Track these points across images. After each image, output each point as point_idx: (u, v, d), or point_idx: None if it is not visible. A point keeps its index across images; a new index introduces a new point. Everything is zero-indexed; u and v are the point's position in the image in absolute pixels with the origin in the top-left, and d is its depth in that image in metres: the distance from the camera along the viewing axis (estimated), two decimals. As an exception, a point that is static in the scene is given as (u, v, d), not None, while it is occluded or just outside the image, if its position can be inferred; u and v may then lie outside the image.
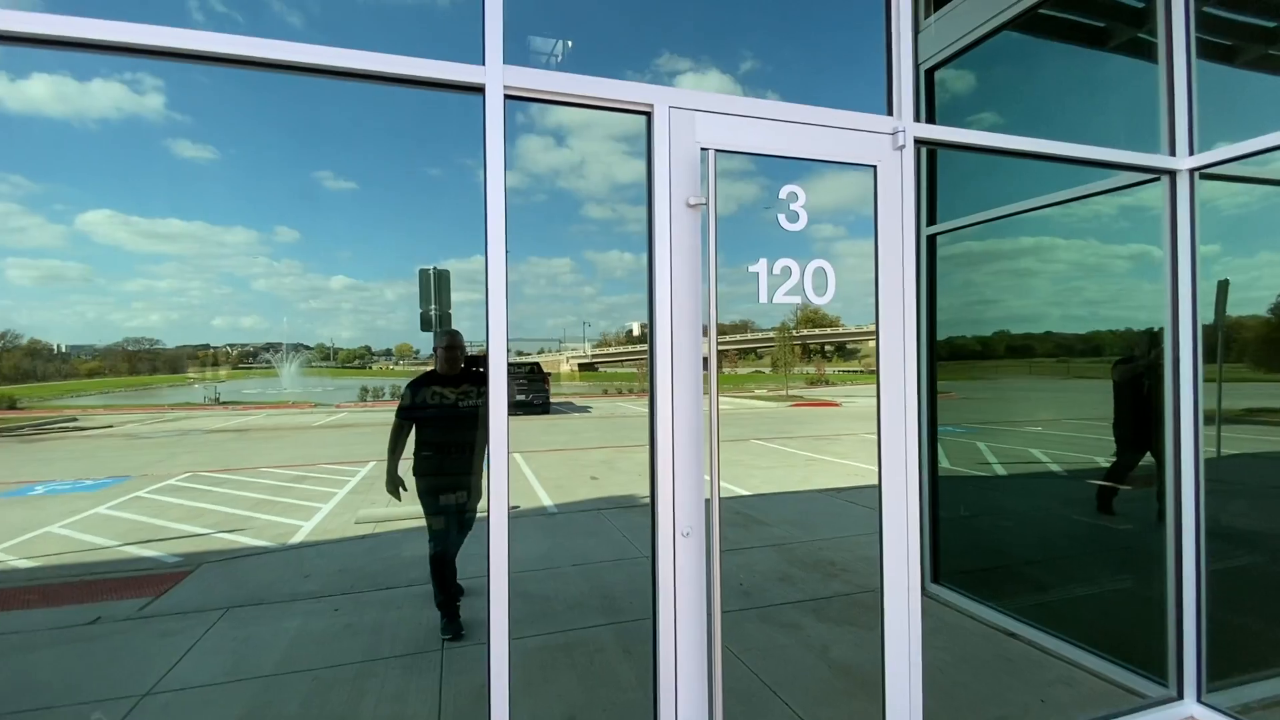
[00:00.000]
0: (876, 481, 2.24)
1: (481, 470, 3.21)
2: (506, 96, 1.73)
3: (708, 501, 1.97)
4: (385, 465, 3.37)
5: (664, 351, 1.88)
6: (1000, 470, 4.25)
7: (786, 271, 1.99)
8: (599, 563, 4.70)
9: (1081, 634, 3.15)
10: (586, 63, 1.90)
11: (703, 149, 1.89)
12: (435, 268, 5.00)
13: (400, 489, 3.40)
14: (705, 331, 1.92)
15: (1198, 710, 2.59)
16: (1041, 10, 3.27)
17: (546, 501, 7.13)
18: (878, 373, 2.18)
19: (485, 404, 2.81)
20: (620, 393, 35.71)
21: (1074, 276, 3.82)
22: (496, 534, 1.77)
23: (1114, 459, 3.71)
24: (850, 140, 2.08)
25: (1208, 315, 2.66)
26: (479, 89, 1.72)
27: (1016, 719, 2.62)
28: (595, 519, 6.14)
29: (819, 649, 3.28)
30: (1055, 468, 4.74)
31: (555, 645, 3.34)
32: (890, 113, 2.18)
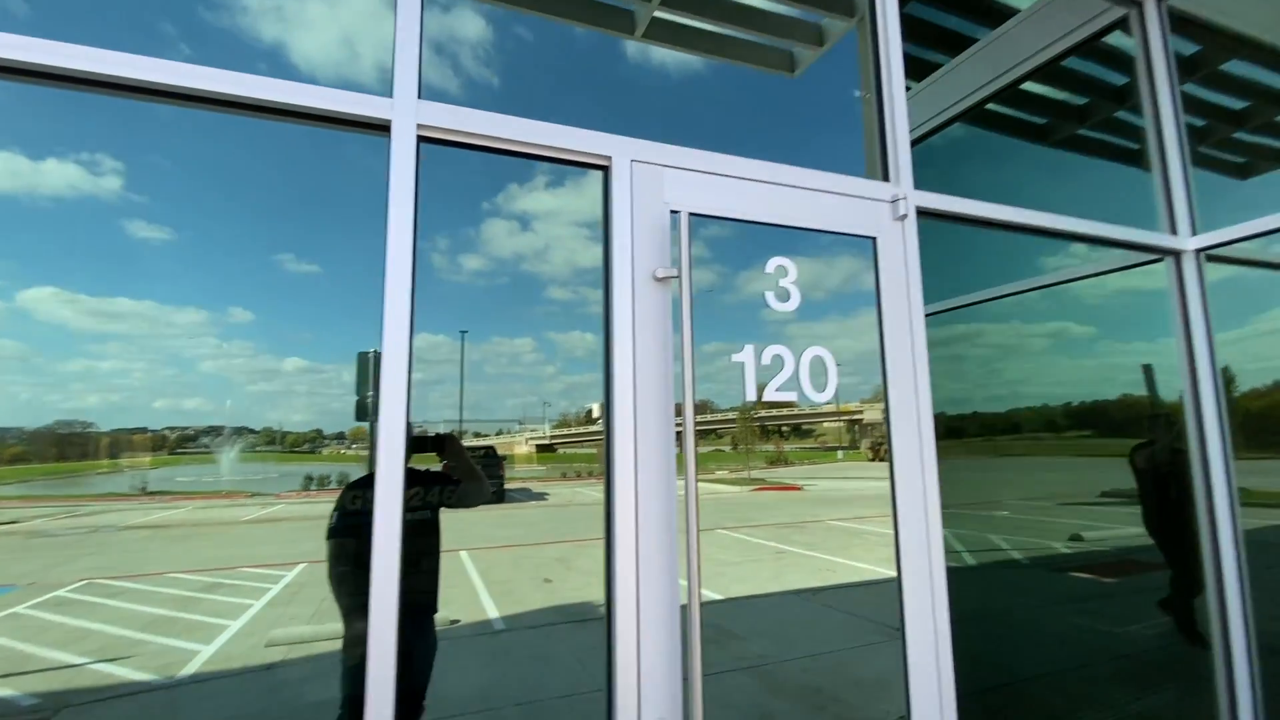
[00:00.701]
0: (897, 591, 1.78)
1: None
2: (420, 138, 1.34)
3: (684, 609, 1.46)
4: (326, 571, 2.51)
5: (624, 447, 1.42)
6: (970, 560, 3.86)
7: (778, 362, 1.59)
8: (548, 700, 3.97)
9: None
10: (535, 111, 1.55)
11: (673, 211, 1.53)
12: (376, 351, 4.51)
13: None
14: (678, 431, 1.48)
15: None
16: (1022, 87, 3.20)
17: (492, 613, 6.31)
18: (891, 462, 1.77)
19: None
20: (580, 475, 34.58)
21: (996, 358, 3.81)
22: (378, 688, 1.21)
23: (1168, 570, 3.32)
24: (847, 209, 1.76)
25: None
26: (384, 127, 1.33)
27: None
28: (547, 637, 5.37)
29: (818, 820, 2.65)
30: (1017, 555, 4.36)
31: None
32: (886, 179, 1.89)
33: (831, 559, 9.05)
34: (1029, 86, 3.64)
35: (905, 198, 1.80)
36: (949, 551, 3.58)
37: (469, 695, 4.04)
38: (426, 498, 2.51)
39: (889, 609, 5.84)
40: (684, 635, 1.42)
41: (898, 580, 1.74)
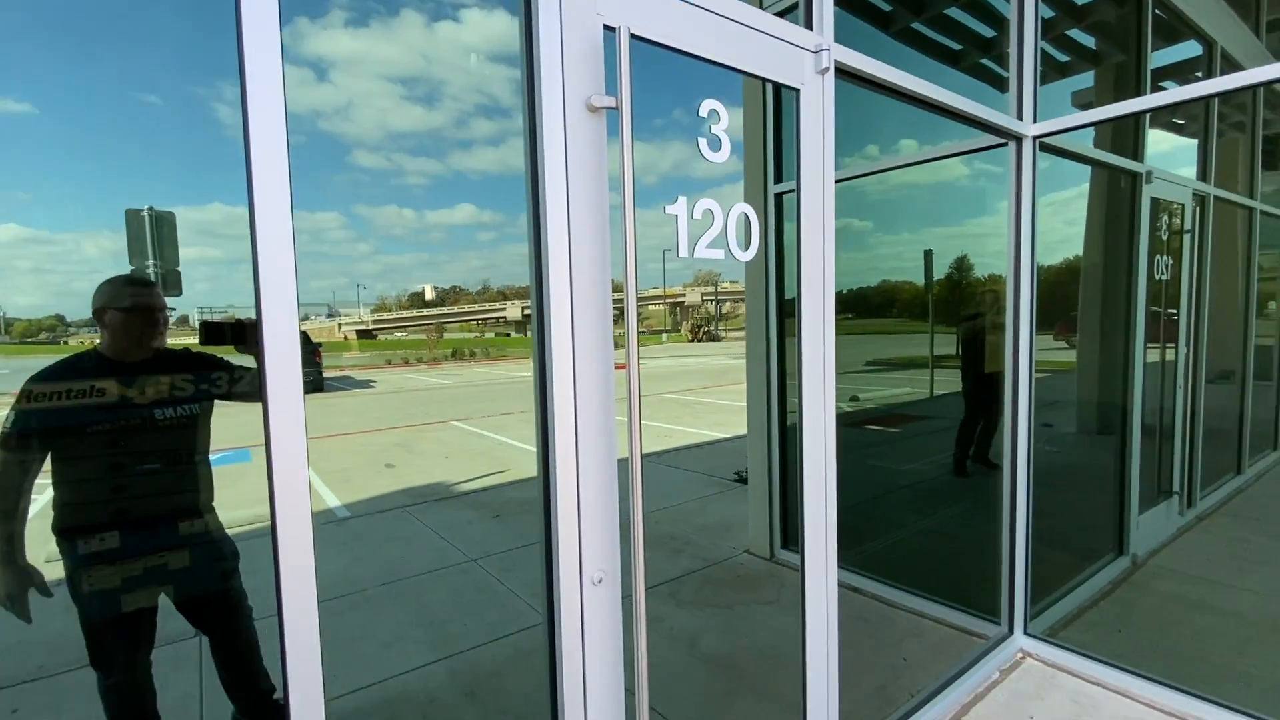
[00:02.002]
0: (798, 439, 1.93)
1: (210, 487, 2.19)
2: None
3: (622, 464, 1.46)
4: None
5: (561, 306, 1.29)
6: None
7: (709, 216, 1.51)
8: (416, 576, 3.90)
9: (919, 583, 3.33)
10: None
11: (607, 27, 1.30)
12: (152, 209, 3.58)
13: (37, 589, 1.90)
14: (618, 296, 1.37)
15: (1025, 642, 2.82)
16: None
17: (332, 501, 5.94)
18: (799, 327, 1.84)
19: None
20: (407, 362, 32.81)
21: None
22: (293, 559, 1.06)
23: (963, 419, 4.03)
24: (776, 54, 1.65)
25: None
26: None
27: (889, 685, 2.60)
28: (400, 519, 5.21)
29: (687, 643, 3.00)
30: (870, 408, 5.12)
31: (375, 704, 2.58)
32: (810, 29, 1.79)
33: (667, 426, 9.79)
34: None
35: (828, 49, 1.73)
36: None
37: (326, 582, 3.82)
38: (201, 387, 2.13)
39: (722, 466, 6.52)
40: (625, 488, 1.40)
41: (799, 427, 1.87)
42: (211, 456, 2.19)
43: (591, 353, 1.34)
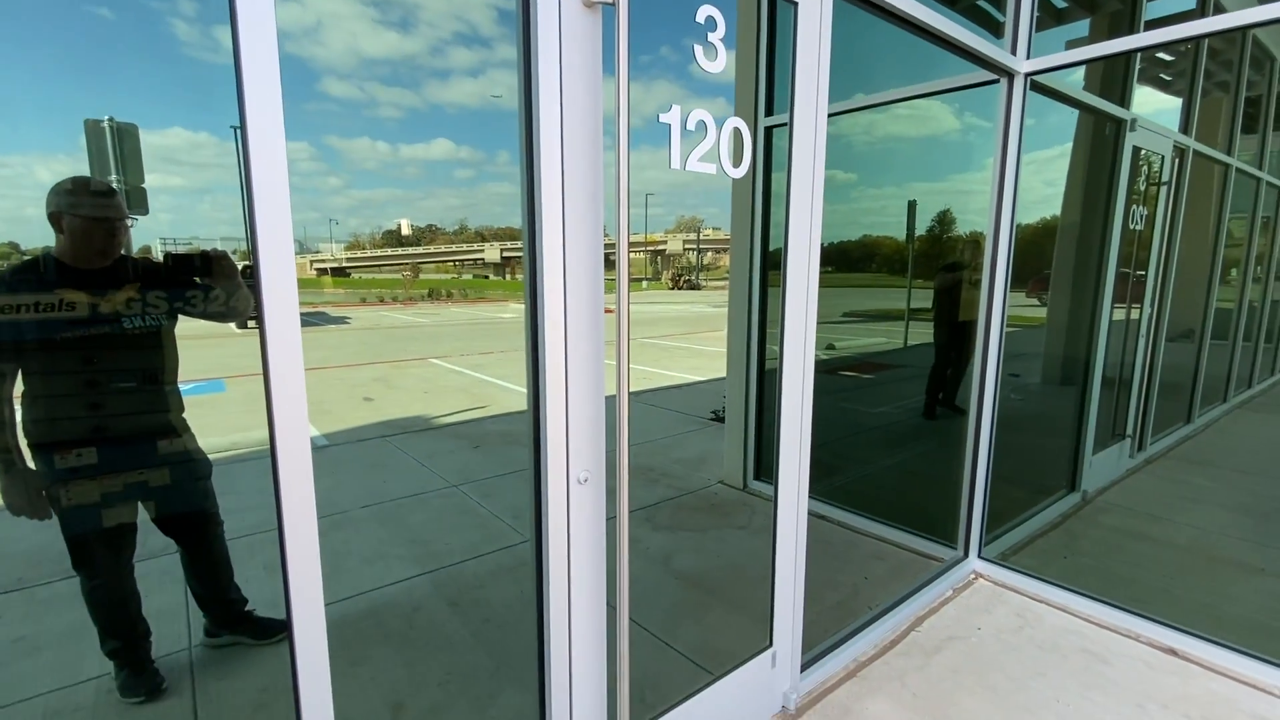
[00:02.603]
0: (779, 378, 1.99)
1: (181, 407, 2.21)
2: None
3: (610, 400, 1.51)
4: None
5: (553, 223, 1.30)
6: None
7: (702, 128, 1.51)
8: (396, 500, 3.98)
9: (884, 513, 3.50)
10: None
11: (607, -82, 1.26)
12: (113, 120, 3.39)
13: (44, 496, 1.92)
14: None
15: (978, 565, 3.02)
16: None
17: (311, 431, 5.94)
18: (785, 263, 1.87)
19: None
20: (382, 300, 32.21)
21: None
22: (292, 478, 1.10)
23: (934, 364, 4.14)
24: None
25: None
26: None
27: (850, 601, 2.77)
28: (381, 448, 5.26)
29: (661, 561, 3.15)
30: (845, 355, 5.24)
31: (359, 613, 2.68)
32: (810, -63, 1.74)
33: (647, 369, 9.89)
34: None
35: (828, -38, 1.70)
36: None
37: (307, 505, 3.88)
38: (175, 304, 2.10)
39: (699, 406, 6.63)
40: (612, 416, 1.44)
41: (780, 364, 1.92)
42: (183, 385, 2.18)
43: (583, 256, 1.36)
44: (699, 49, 1.47)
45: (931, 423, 4.49)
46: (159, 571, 2.78)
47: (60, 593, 2.75)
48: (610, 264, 1.41)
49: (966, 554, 3.02)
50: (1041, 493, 3.85)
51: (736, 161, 1.59)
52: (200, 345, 10.96)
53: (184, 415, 2.20)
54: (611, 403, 1.43)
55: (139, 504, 2.13)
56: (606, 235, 1.42)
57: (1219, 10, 4.64)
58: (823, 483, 3.88)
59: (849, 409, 4.84)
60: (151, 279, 2.09)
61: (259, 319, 1.04)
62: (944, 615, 2.65)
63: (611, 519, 1.48)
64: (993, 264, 2.77)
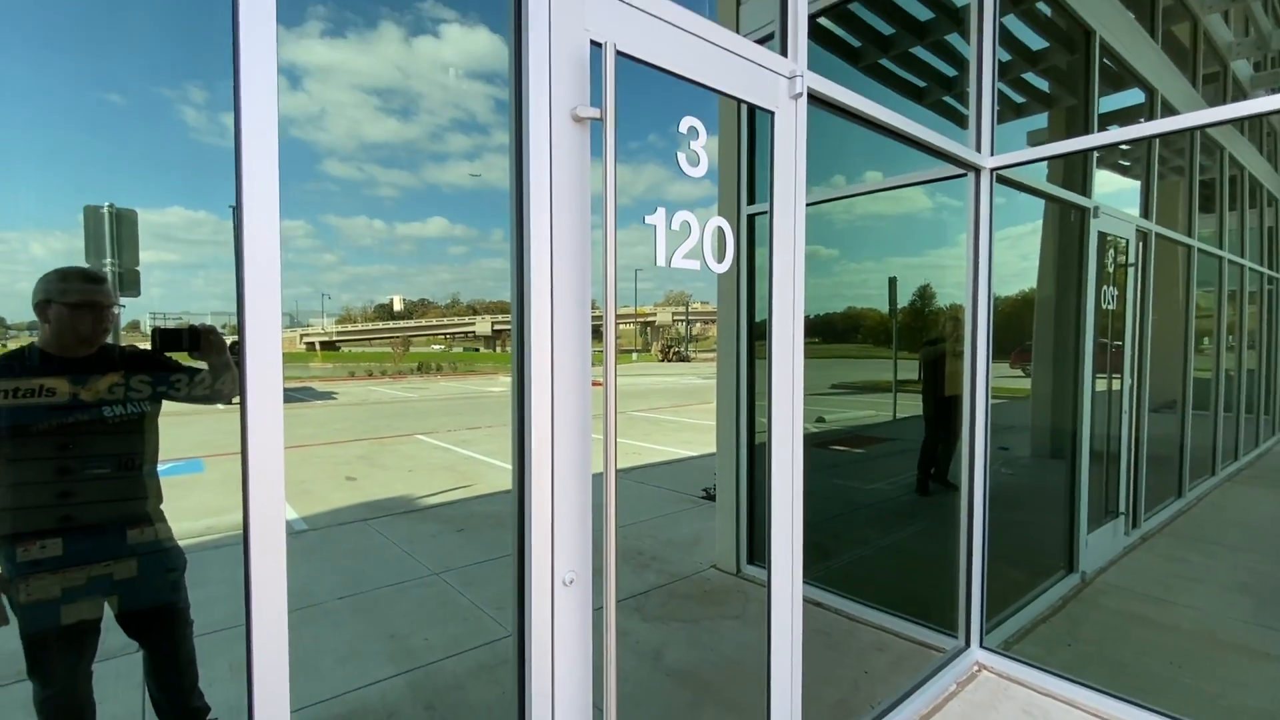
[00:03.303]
0: (767, 455, 1.97)
1: (159, 494, 2.13)
2: None
3: (597, 478, 1.48)
4: None
5: (541, 311, 1.32)
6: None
7: (686, 228, 1.56)
8: (375, 590, 3.81)
9: (881, 598, 3.40)
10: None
11: (594, 43, 1.35)
12: (113, 206, 3.47)
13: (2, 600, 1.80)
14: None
15: (981, 655, 2.90)
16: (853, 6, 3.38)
17: (290, 514, 5.76)
18: (770, 345, 1.90)
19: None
20: (370, 374, 32.11)
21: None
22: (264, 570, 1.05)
23: (924, 440, 4.14)
24: (753, 78, 1.73)
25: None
26: None
27: (850, 698, 2.64)
28: (361, 532, 5.09)
29: (652, 656, 3.00)
30: (836, 429, 5.23)
31: (333, 716, 2.51)
32: (785, 55, 1.88)
33: (637, 444, 9.80)
34: (861, 10, 3.90)
35: (801, 75, 1.82)
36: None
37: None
38: (159, 388, 2.08)
39: (691, 483, 6.55)
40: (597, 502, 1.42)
41: (769, 444, 1.92)
42: (161, 466, 2.12)
43: (570, 354, 1.37)
44: (682, 156, 1.55)
45: (926, 499, 4.44)
46: (113, 675, 2.60)
47: (16, 697, 2.56)
48: (598, 334, 1.42)
49: (968, 643, 2.91)
50: (1040, 574, 3.77)
51: (719, 257, 1.65)
52: (182, 422, 10.77)
53: (160, 502, 2.12)
54: (599, 481, 1.40)
55: (104, 600, 2.01)
56: (595, 306, 1.43)
57: (1166, 107, 5.00)
58: (818, 566, 3.78)
59: (841, 485, 4.79)
60: (136, 365, 2.07)
61: (241, 399, 1.03)
62: (949, 713, 2.52)
63: (598, 609, 1.42)
64: (974, 347, 2.83)
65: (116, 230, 3.64)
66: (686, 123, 1.55)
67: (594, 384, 1.43)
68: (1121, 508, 4.51)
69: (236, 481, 1.05)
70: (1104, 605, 3.62)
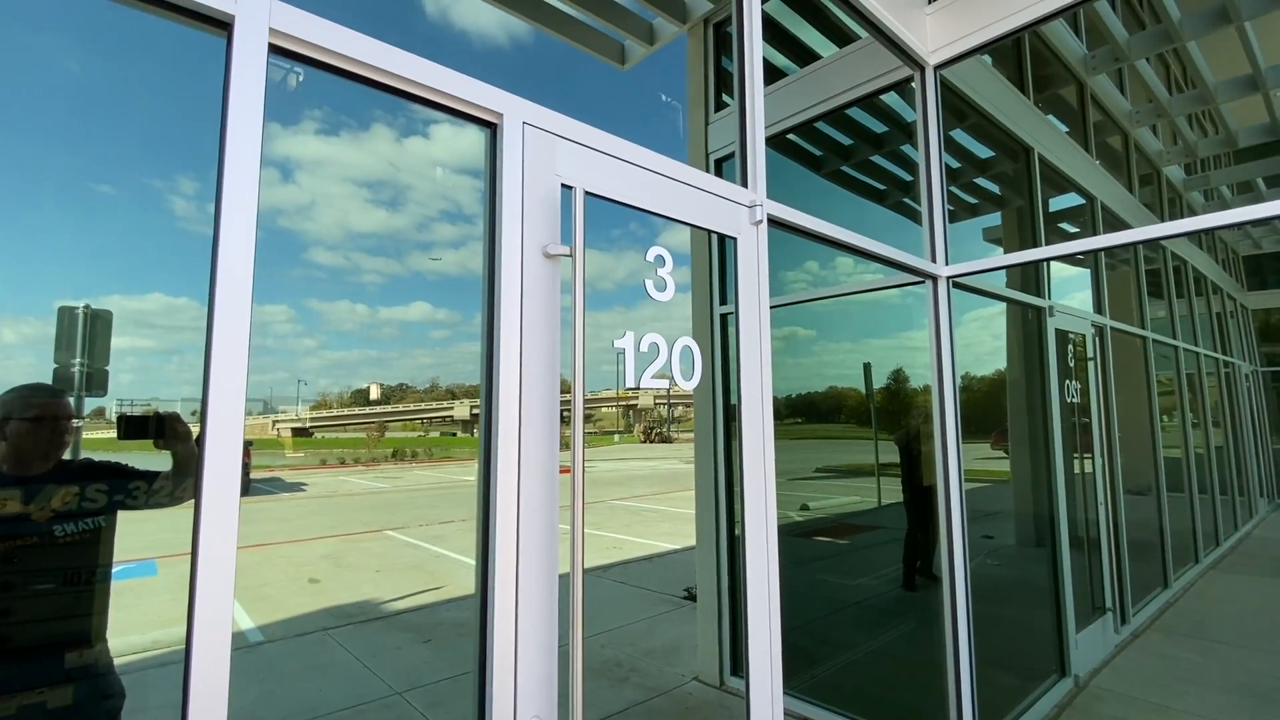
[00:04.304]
0: (741, 549, 1.91)
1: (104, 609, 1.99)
2: (273, 48, 1.07)
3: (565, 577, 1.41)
4: None
5: (509, 430, 1.31)
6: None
7: (654, 349, 1.61)
8: (330, 715, 3.52)
9: (870, 710, 3.23)
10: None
11: (564, 185, 1.44)
12: (89, 306, 3.46)
13: None
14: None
15: (978, 778, 2.73)
16: (816, 124, 3.66)
17: (245, 623, 5.40)
18: (741, 445, 1.90)
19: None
20: (343, 463, 31.22)
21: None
22: None
23: (908, 531, 4.09)
24: (714, 208, 1.84)
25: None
26: (224, 24, 1.02)
27: (843, 833, 2.44)
28: (320, 644, 4.76)
29: (630, 788, 2.78)
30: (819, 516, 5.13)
31: None
32: (745, 186, 2.01)
33: (617, 536, 9.52)
34: (823, 126, 4.23)
35: (761, 204, 1.94)
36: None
37: (227, 724, 3.39)
38: (115, 498, 2.00)
39: (673, 580, 6.33)
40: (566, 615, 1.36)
41: (742, 538, 1.88)
42: (114, 569, 2.00)
43: (537, 473, 1.36)
44: (650, 282, 1.62)
45: (912, 595, 4.33)
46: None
47: None
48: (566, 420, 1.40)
49: (964, 763, 2.75)
50: (1031, 678, 3.63)
51: (688, 375, 1.68)
52: (141, 517, 10.26)
53: (105, 619, 1.97)
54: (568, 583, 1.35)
55: None
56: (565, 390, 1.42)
57: (1106, 210, 5.37)
58: (802, 676, 3.61)
59: (826, 583, 4.67)
60: (93, 476, 1.99)
61: (195, 500, 1.00)
62: None
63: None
64: (943, 444, 2.87)
65: (90, 330, 3.61)
66: (654, 252, 1.63)
67: (563, 470, 1.41)
68: (1108, 603, 4.43)
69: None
70: (1102, 714, 3.47)
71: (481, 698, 1.32)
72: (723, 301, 3.94)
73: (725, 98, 4.24)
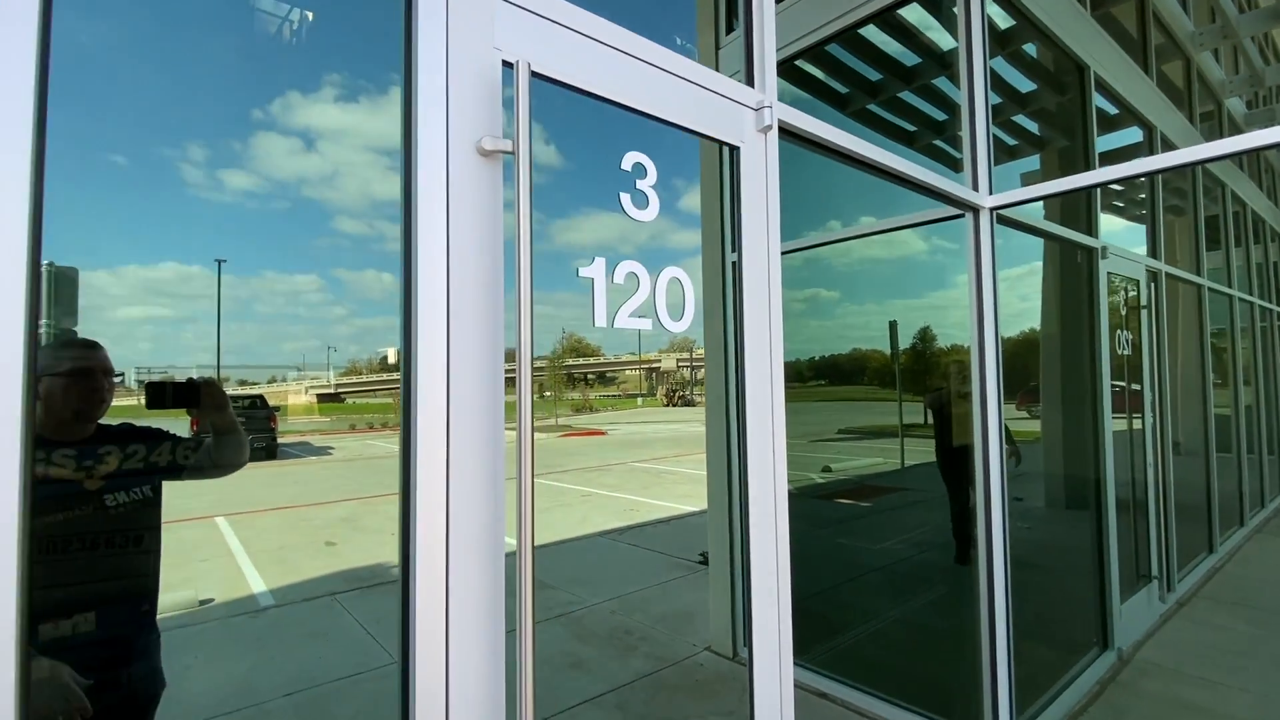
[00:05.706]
0: (742, 537, 1.65)
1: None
2: None
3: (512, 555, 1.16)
4: None
5: (431, 382, 1.04)
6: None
7: (633, 281, 1.30)
8: (327, 684, 3.41)
9: (893, 687, 2.99)
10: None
11: (506, 63, 1.12)
12: (52, 265, 3.26)
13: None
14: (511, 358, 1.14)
15: (1013, 763, 2.49)
16: (860, 30, 3.25)
17: (258, 586, 5.37)
18: (742, 396, 1.62)
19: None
20: (372, 427, 31.71)
21: None
22: None
23: (951, 501, 3.75)
24: (712, 108, 1.50)
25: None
26: None
27: (863, 822, 2.23)
28: (327, 609, 4.69)
29: (632, 767, 2.59)
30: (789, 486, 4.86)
31: None
32: (751, 85, 1.66)
33: (634, 499, 9.39)
34: (846, 56, 3.78)
35: (770, 107, 1.60)
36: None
37: (223, 692, 3.30)
38: (151, 460, 1.75)
39: (688, 544, 6.11)
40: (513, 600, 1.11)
41: (743, 512, 1.61)
42: None
43: (473, 432, 1.08)
44: (626, 197, 1.31)
45: (941, 563, 4.05)
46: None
47: None
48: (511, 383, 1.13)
49: (998, 746, 2.50)
50: (1072, 652, 3.35)
51: (676, 315, 1.38)
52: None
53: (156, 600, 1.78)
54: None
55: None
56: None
57: (1166, 143, 4.84)
58: (821, 646, 3.38)
59: (847, 546, 4.42)
60: (138, 440, 1.73)
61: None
62: (981, 844, 2.11)
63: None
64: (983, 396, 2.53)
65: (54, 290, 3.40)
66: (631, 159, 1.31)
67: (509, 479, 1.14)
68: (1153, 570, 4.10)
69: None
70: (1148, 690, 3.19)
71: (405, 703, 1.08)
72: (734, 248, 3.59)
73: (736, 24, 3.81)
